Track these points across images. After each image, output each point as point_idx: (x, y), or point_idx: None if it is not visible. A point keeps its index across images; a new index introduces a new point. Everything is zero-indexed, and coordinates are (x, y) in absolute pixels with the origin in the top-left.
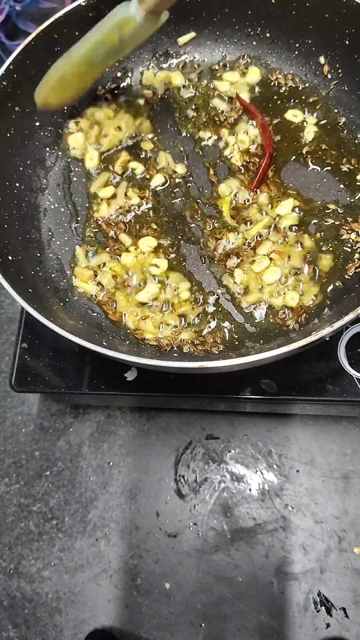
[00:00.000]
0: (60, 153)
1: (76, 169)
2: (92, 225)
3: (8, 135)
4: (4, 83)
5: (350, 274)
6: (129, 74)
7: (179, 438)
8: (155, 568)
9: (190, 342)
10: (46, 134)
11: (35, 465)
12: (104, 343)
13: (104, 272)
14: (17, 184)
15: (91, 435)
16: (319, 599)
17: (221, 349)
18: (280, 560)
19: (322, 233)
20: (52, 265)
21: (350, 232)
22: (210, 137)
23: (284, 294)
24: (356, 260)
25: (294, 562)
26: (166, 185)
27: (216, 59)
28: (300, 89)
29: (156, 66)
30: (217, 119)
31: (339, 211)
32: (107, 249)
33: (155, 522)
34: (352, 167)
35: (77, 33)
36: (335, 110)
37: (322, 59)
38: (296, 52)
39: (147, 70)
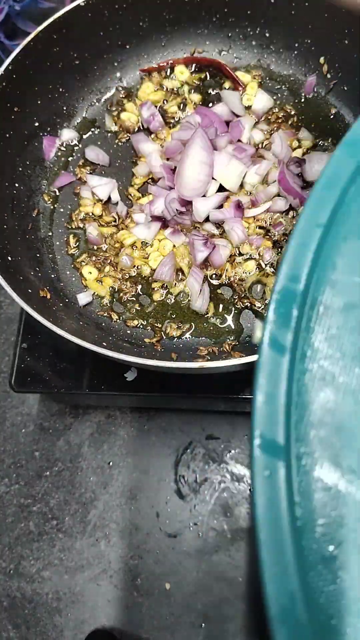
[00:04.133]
0: (59, 153)
1: (75, 169)
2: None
3: (8, 135)
4: (4, 83)
5: None
6: (133, 90)
7: (179, 438)
8: (155, 568)
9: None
10: (45, 134)
11: (35, 466)
12: (104, 343)
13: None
14: (17, 184)
15: (91, 435)
16: None
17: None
18: None
19: None
20: (52, 266)
21: None
22: None
23: None
24: None
25: None
26: None
27: (215, 59)
28: (299, 88)
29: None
30: None
31: None
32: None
33: (155, 522)
34: None
35: (76, 33)
36: (334, 110)
37: (321, 59)
38: (296, 52)
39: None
